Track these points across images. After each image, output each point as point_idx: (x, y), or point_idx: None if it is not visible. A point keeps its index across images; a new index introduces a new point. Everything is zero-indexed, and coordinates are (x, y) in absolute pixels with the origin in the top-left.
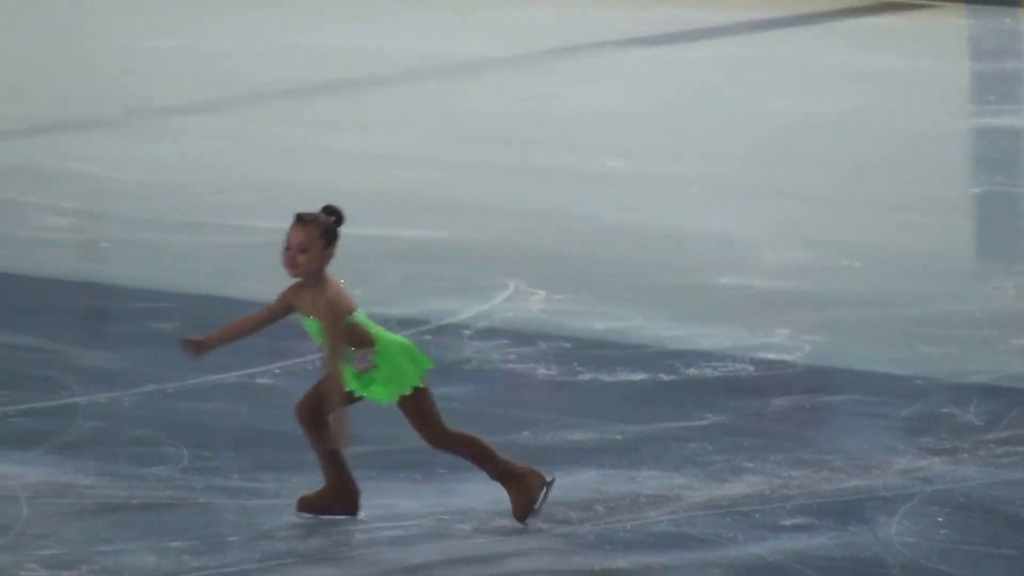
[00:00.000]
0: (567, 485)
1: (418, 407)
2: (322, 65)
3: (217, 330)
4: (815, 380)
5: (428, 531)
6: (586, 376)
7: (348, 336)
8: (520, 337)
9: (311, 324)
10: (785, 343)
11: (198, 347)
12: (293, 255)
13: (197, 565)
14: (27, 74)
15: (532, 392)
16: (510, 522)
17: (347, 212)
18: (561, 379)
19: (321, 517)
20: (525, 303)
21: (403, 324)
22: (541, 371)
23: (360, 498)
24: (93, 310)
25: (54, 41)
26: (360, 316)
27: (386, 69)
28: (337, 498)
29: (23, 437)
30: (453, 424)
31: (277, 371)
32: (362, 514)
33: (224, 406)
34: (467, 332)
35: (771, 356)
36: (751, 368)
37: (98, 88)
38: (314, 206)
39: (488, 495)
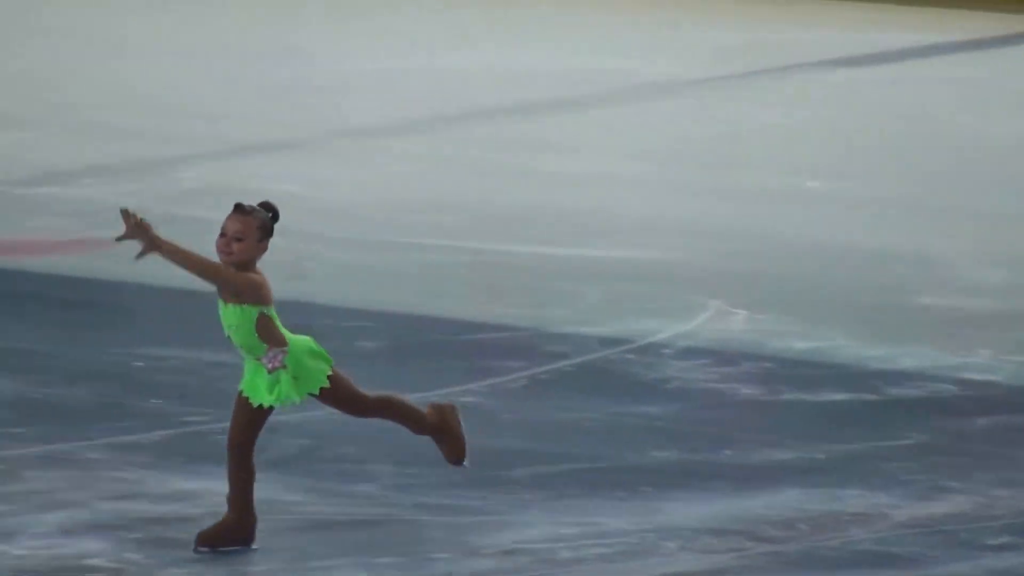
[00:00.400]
0: (770, 503)
1: (339, 394)
2: (521, 86)
3: (177, 245)
4: (1019, 400)
5: (634, 549)
6: (788, 396)
7: (264, 329)
8: (722, 356)
9: (226, 312)
10: (987, 363)
11: (145, 236)
12: (228, 242)
13: None
14: (229, 95)
15: (734, 411)
16: (717, 540)
17: (546, 231)
18: (763, 398)
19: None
20: (727, 323)
21: (605, 343)
22: (743, 390)
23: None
24: (297, 329)
25: (255, 62)
26: (274, 312)
27: (582, 90)
28: (239, 529)
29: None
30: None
31: (480, 389)
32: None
33: None
34: (669, 351)
35: (973, 376)
36: (953, 388)
37: (299, 109)
38: (514, 226)
39: (693, 513)
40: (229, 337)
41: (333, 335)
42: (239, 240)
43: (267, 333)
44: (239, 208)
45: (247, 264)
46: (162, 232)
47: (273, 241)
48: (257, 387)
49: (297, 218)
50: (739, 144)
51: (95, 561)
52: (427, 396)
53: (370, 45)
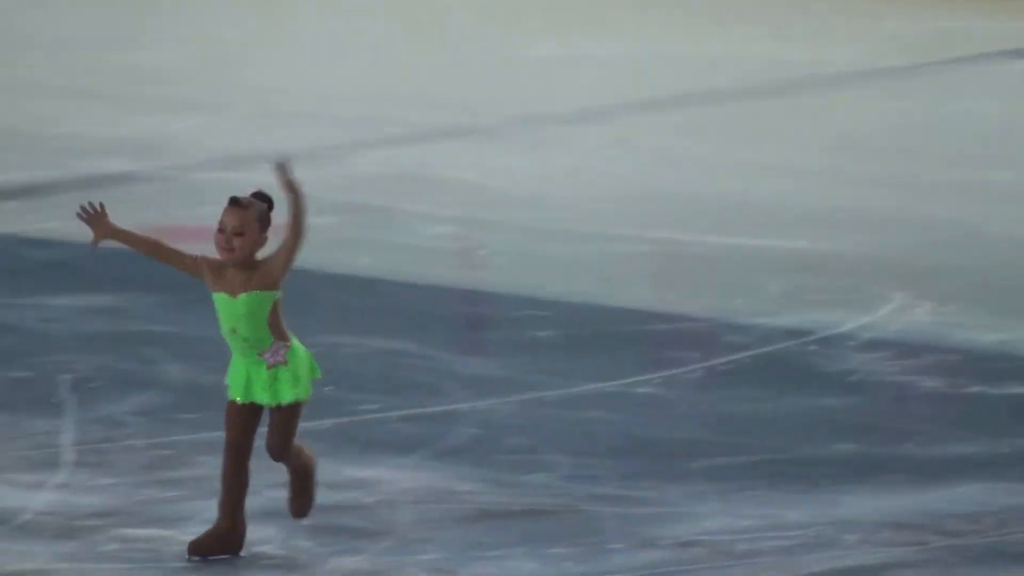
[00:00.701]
0: (953, 497)
1: (289, 418)
2: (704, 74)
3: (129, 229)
4: None
5: (813, 541)
6: (972, 389)
7: (275, 317)
8: (906, 349)
9: (236, 304)
10: None
11: (97, 225)
12: (228, 238)
13: (580, 571)
14: (404, 80)
15: (917, 404)
16: (898, 534)
17: (728, 221)
18: (948, 391)
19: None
20: (911, 315)
21: (788, 335)
22: (926, 383)
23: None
24: (473, 317)
25: (429, 48)
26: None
27: (762, 79)
28: (231, 537)
29: (404, 442)
30: None
31: (658, 380)
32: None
33: (603, 415)
34: (852, 343)
35: None
36: None
37: (478, 97)
38: (695, 216)
39: (874, 506)
40: (231, 331)
41: (507, 324)
42: (239, 235)
43: (276, 322)
44: (235, 201)
45: (249, 257)
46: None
47: (448, 229)
48: (251, 385)
49: (474, 206)
50: (923, 135)
51: (265, 548)
52: (604, 387)
53: (555, 31)
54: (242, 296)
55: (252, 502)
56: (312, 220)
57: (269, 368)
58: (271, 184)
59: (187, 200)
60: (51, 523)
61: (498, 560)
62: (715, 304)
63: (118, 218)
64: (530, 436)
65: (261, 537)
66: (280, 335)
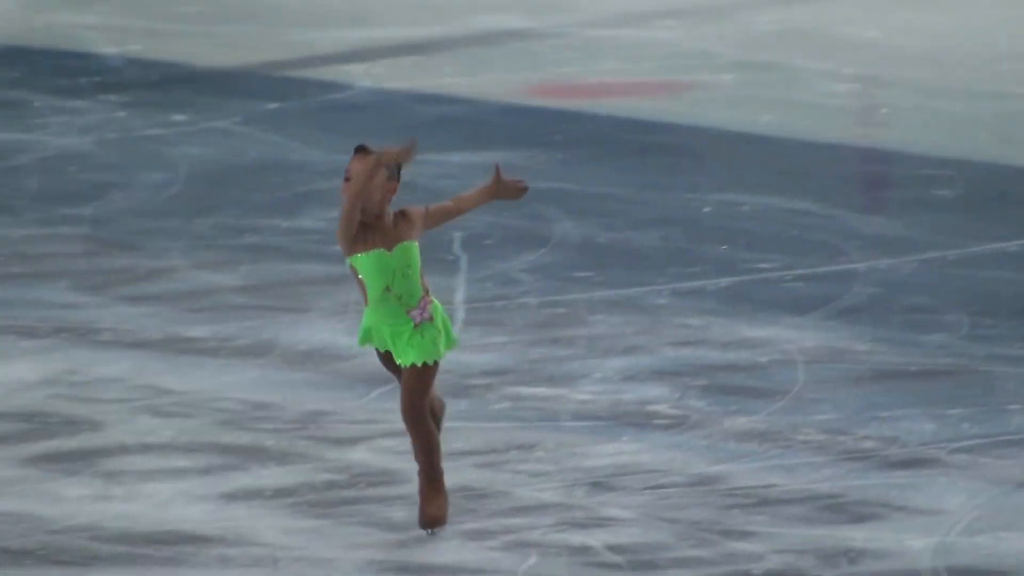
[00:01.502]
0: None
1: (424, 378)
2: None
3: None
4: None
5: None
6: None
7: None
8: None
9: (391, 258)
10: None
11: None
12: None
13: (977, 432)
14: None
15: None
16: None
17: None
18: None
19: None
20: None
21: None
22: None
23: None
24: (873, 176)
25: None
26: None
27: None
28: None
29: (800, 302)
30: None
31: None
32: None
33: (1004, 274)
34: None
35: None
36: None
37: None
38: None
39: None
40: (384, 290)
41: (908, 183)
42: (347, 180)
43: (422, 274)
44: (362, 149)
45: (382, 209)
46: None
47: (848, 87)
48: (399, 346)
49: (876, 65)
50: None
51: (658, 407)
52: (1007, 246)
53: None
54: (397, 248)
55: (645, 361)
56: (710, 77)
57: (416, 326)
58: (663, 41)
59: (582, 57)
60: (444, 382)
61: (893, 421)
62: None
63: (513, 75)
64: (929, 296)
65: (653, 396)
66: (426, 289)
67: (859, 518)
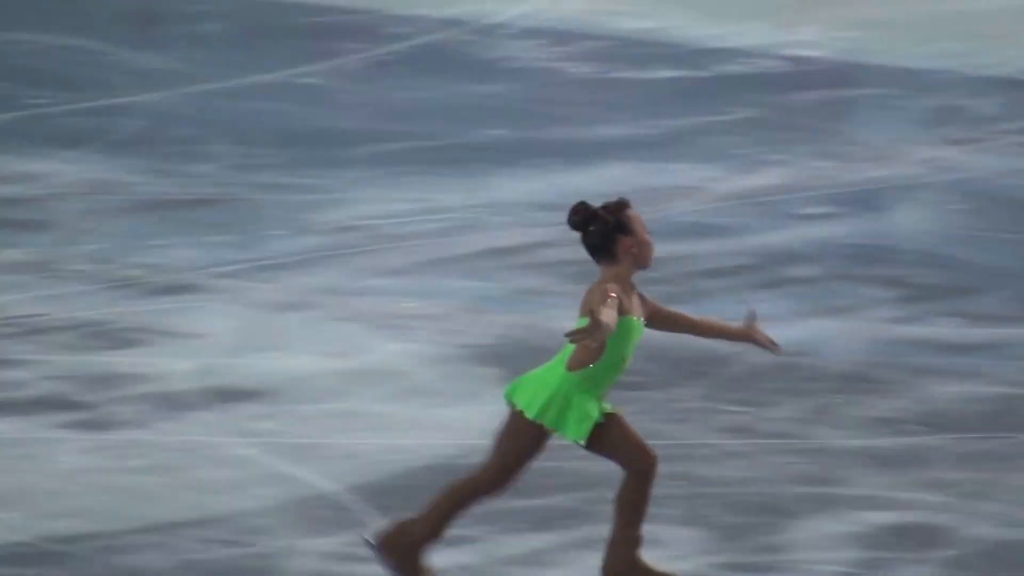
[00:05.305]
0: (600, 178)
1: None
2: None
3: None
4: (841, 75)
5: (465, 223)
6: (621, 74)
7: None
8: (559, 36)
9: (638, 327)
10: (814, 39)
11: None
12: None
13: (239, 258)
14: None
15: (568, 89)
16: (546, 214)
17: None
18: (596, 76)
19: None
20: (565, 3)
21: (448, 24)
22: (578, 69)
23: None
24: (142, 12)
25: None
26: None
27: None
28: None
29: (74, 136)
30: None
31: (321, 71)
32: None
33: (268, 105)
34: (507, 31)
35: (800, 52)
36: (781, 64)
37: None
38: None
39: (524, 188)
40: (622, 361)
41: (178, 19)
42: None
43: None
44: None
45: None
46: None
47: None
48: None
49: None
50: None
51: None
52: (269, 78)
53: None
54: (640, 319)
55: None
56: None
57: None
58: None
59: None
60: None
61: (160, 249)
62: None
63: None
64: (198, 127)
65: None
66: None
67: (125, 343)
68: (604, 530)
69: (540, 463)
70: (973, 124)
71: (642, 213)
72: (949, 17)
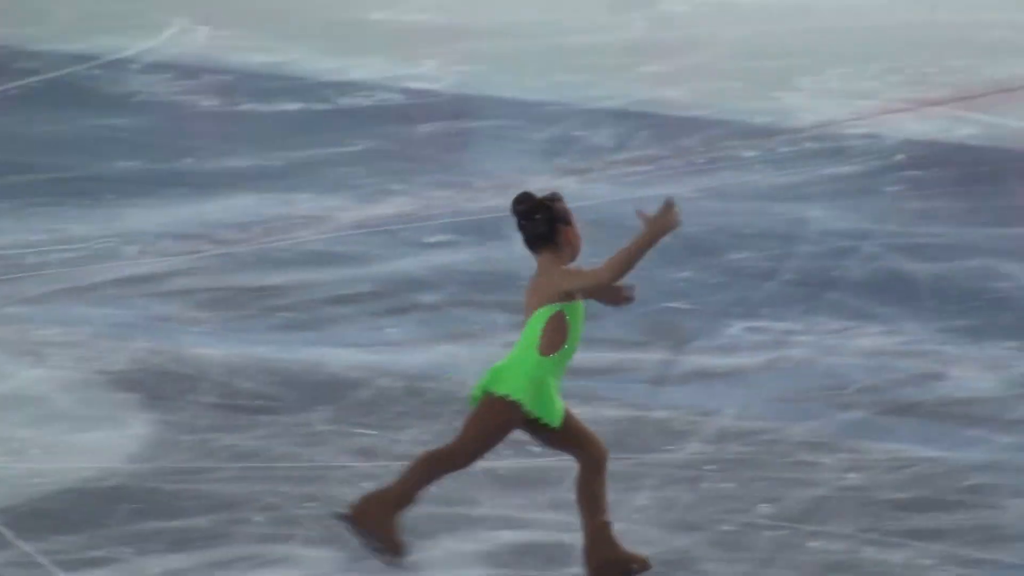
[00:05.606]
0: (227, 208)
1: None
2: None
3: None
4: (459, 107)
5: (97, 253)
6: (246, 106)
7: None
8: (185, 70)
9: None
10: (432, 73)
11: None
12: None
13: None
14: None
15: (195, 122)
16: (176, 243)
17: None
18: (222, 109)
19: None
20: (190, 38)
21: (76, 59)
22: (204, 102)
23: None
24: None
25: None
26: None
27: None
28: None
29: None
30: None
31: None
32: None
33: None
34: (135, 66)
35: (419, 86)
36: (400, 97)
37: None
38: None
39: (154, 219)
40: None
41: None
42: None
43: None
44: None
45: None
46: None
47: None
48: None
49: None
50: None
51: None
52: None
53: None
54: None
55: None
56: None
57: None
58: None
59: None
60: None
61: None
62: (7, 31)
63: None
64: None
65: None
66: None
67: None
68: (242, 550)
69: (177, 485)
70: (587, 154)
71: (270, 241)
72: (561, 51)
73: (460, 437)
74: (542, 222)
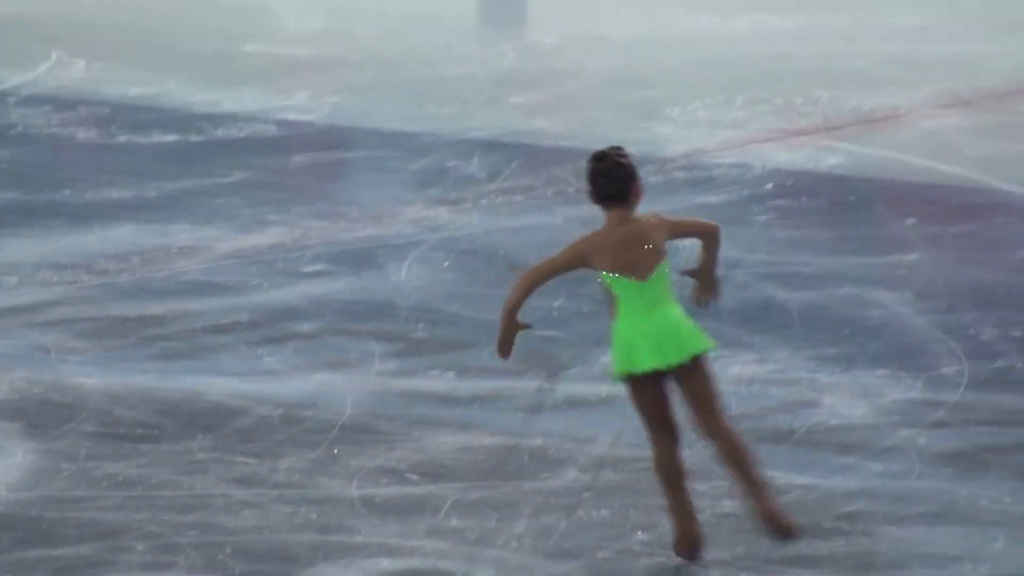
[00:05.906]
0: (105, 239)
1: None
2: None
3: None
4: (333, 138)
5: None
6: (123, 138)
7: None
8: (62, 103)
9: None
10: (305, 104)
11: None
12: None
13: None
14: None
15: (73, 154)
16: (55, 274)
17: None
18: (100, 141)
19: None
20: (67, 71)
21: None
22: (81, 134)
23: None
24: None
25: None
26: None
27: None
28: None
29: None
30: None
31: None
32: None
33: None
34: (13, 99)
35: (292, 117)
36: (274, 128)
37: None
38: None
39: (33, 250)
40: None
41: None
42: None
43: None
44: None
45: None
46: None
47: None
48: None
49: None
50: None
51: None
52: None
53: None
54: None
55: None
56: None
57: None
58: None
59: None
60: None
61: None
62: None
63: None
64: None
65: None
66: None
67: None
68: None
69: (59, 514)
70: (459, 184)
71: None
72: (433, 82)
73: (720, 399)
74: (622, 179)
